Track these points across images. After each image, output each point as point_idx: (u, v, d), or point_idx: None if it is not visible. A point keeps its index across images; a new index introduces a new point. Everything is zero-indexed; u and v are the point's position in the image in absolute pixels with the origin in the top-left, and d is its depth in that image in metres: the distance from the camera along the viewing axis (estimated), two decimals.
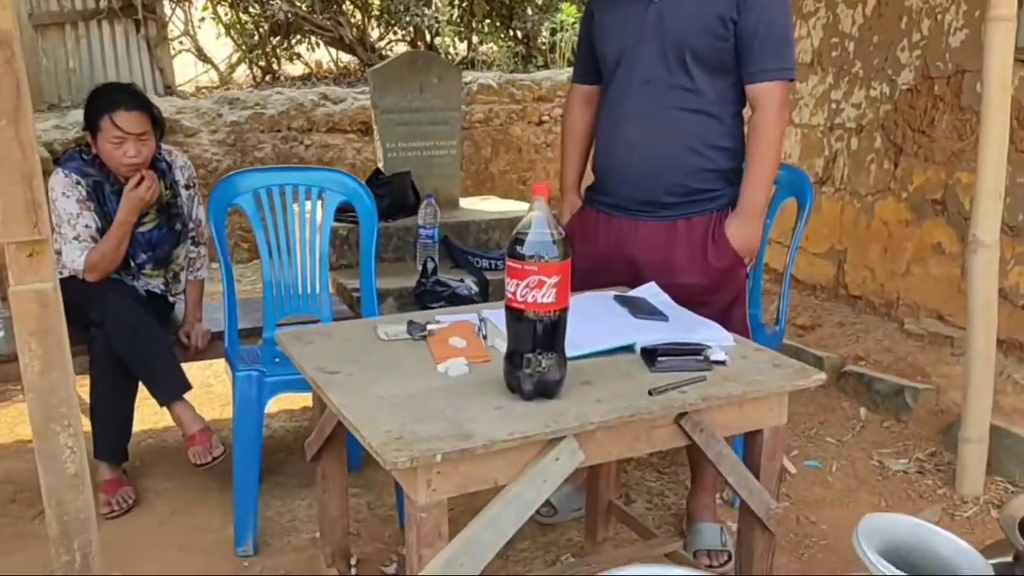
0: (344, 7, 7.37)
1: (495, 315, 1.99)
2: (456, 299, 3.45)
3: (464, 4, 7.49)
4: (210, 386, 3.58)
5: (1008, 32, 2.46)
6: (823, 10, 4.24)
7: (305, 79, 7.36)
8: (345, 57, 7.69)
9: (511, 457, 1.46)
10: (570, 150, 2.54)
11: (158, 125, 2.73)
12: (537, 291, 1.50)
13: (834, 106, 4.21)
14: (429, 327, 1.90)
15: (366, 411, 1.50)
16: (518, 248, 1.51)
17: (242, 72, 7.32)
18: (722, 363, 1.75)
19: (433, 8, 7.15)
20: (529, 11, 7.76)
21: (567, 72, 6.72)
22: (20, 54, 1.33)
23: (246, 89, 6.76)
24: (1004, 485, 2.80)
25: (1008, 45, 2.47)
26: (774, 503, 1.78)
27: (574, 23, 7.44)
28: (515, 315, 1.54)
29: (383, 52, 7.75)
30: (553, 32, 7.49)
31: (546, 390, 1.56)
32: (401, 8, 7.13)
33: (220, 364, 3.36)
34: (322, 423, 1.84)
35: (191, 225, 2.88)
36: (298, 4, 6.87)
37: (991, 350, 2.69)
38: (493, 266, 3.86)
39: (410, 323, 1.91)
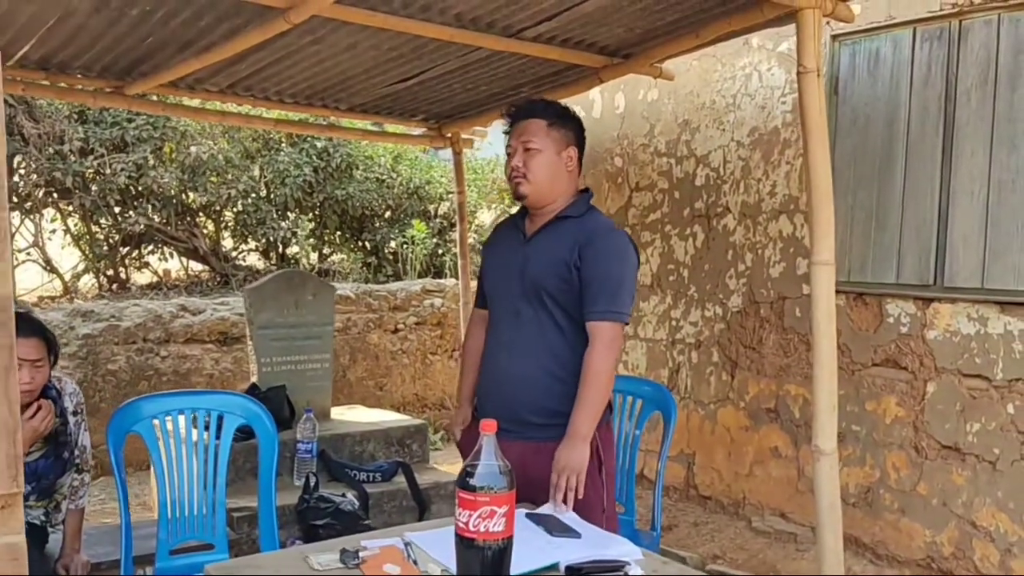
0: (198, 219, 7.50)
1: (419, 538, 2.12)
2: (340, 515, 3.48)
3: (317, 217, 7.81)
4: None
5: (829, 274, 2.96)
6: (659, 241, 4.84)
7: (154, 288, 7.31)
8: (196, 266, 7.74)
9: None
10: (467, 366, 2.76)
11: (52, 351, 2.74)
12: (488, 520, 1.66)
13: (674, 323, 4.73)
14: (361, 555, 1.99)
15: None
16: (469, 480, 1.68)
17: (87, 281, 7.19)
18: None
19: (288, 221, 7.43)
20: (378, 224, 8.19)
21: (420, 283, 7.09)
22: (12, 318, 1.42)
23: (91, 300, 6.64)
24: None
25: (830, 284, 2.97)
26: None
27: (424, 238, 7.92)
28: (466, 543, 1.68)
29: (236, 262, 7.87)
30: (403, 245, 7.90)
31: None
32: (255, 221, 7.36)
33: None
34: None
35: (77, 452, 2.83)
36: (153, 217, 6.95)
37: (839, 546, 3.01)
38: (371, 479, 3.93)
39: (343, 551, 1.99)
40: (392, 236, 8.17)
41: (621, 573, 1.94)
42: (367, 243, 8.30)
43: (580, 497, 2.35)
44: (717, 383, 4.43)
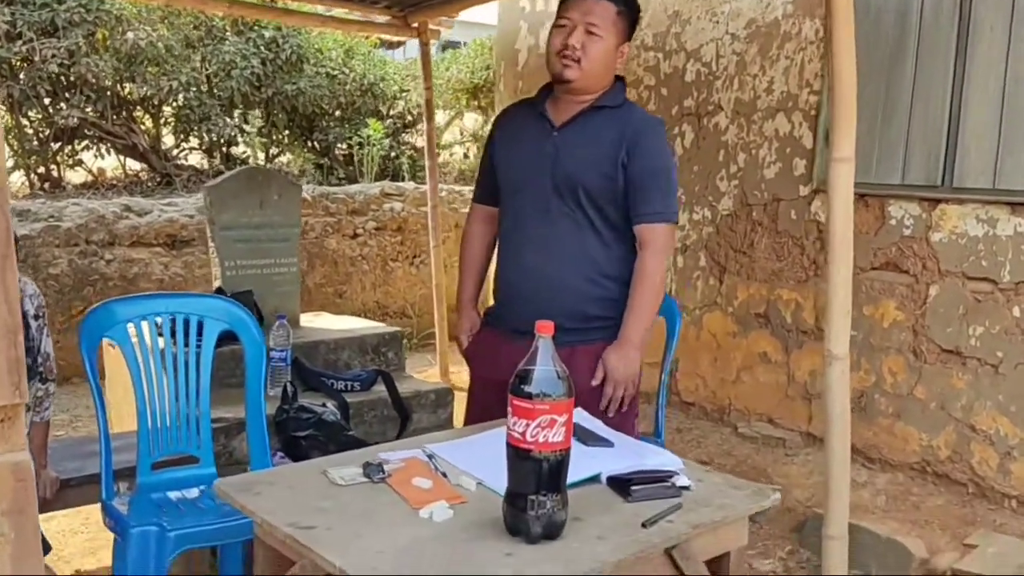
0: (135, 114, 6.99)
1: (443, 450, 1.95)
2: (323, 426, 3.28)
3: (265, 115, 7.36)
4: (77, 534, 3.12)
5: (849, 171, 2.81)
6: None
7: (89, 187, 6.83)
8: (134, 165, 7.25)
9: None
10: (468, 266, 2.56)
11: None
12: (548, 430, 1.48)
13: None
14: (386, 468, 1.80)
15: (373, 567, 1.39)
16: (524, 386, 1.49)
17: (17, 178, 6.67)
18: (687, 488, 1.80)
19: (234, 118, 6.97)
20: (329, 123, 7.78)
21: (379, 186, 6.77)
22: (8, 199, 1.17)
23: (23, 199, 6.16)
24: None
25: (849, 182, 2.82)
26: None
27: (381, 138, 7.55)
28: (520, 455, 1.50)
29: (178, 161, 7.40)
30: (360, 146, 7.52)
31: (553, 532, 1.52)
32: (198, 117, 6.89)
33: (75, 513, 2.96)
34: None
35: (39, 360, 2.56)
36: (87, 110, 6.43)
37: (847, 454, 2.95)
38: (349, 388, 3.73)
39: (367, 465, 1.81)
40: (345, 136, 7.78)
41: (669, 483, 1.80)
42: (317, 143, 7.89)
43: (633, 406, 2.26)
44: (704, 288, 4.31)
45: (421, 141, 9.43)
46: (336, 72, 7.61)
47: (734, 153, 4.13)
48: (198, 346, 2.52)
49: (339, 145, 7.95)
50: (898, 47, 3.49)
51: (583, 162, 2.22)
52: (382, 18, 5.08)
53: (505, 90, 5.52)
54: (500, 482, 1.75)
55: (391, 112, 8.31)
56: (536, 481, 1.50)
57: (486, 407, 2.29)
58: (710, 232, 4.27)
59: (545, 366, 1.50)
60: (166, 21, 6.79)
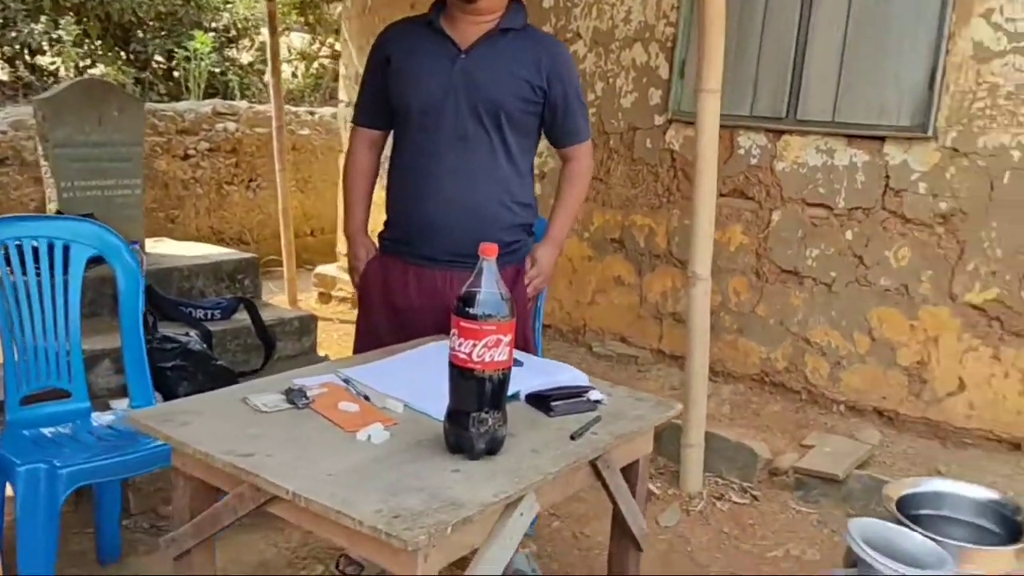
0: None
1: (358, 374, 1.94)
2: (189, 355, 3.16)
3: (76, 22, 6.70)
4: None
5: (715, 102, 2.97)
6: None
7: None
8: None
9: (483, 519, 1.46)
10: (357, 193, 2.49)
11: None
12: (495, 350, 1.52)
13: None
14: (308, 394, 1.78)
15: (329, 492, 1.39)
16: (470, 308, 1.52)
17: None
18: (601, 402, 1.91)
19: (41, 25, 6.29)
20: (146, 34, 7.20)
21: (210, 104, 6.39)
22: None
23: None
24: (716, 479, 3.32)
25: (715, 113, 2.98)
26: (644, 524, 1.98)
27: (210, 52, 7.08)
28: (464, 375, 1.53)
29: None
30: (187, 60, 7.03)
31: (495, 447, 1.58)
32: None
33: None
34: (207, 517, 1.62)
35: None
36: None
37: (705, 367, 3.19)
38: (210, 316, 3.59)
39: (289, 391, 1.78)
40: (165, 49, 7.23)
41: (585, 398, 1.90)
42: (134, 55, 7.30)
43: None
44: None
45: (247, 57, 8.97)
46: None
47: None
48: (65, 273, 2.34)
49: (157, 58, 7.39)
50: None
51: (503, 86, 2.22)
52: None
53: (353, 7, 5.32)
54: (426, 403, 1.79)
55: (215, 25, 7.80)
56: (480, 399, 1.55)
57: (392, 331, 2.29)
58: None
59: (490, 288, 1.53)
60: None
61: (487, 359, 1.52)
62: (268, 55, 5.19)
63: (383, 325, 2.38)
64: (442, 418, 1.63)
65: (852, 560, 1.70)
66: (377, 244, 2.47)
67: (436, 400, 1.76)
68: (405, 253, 2.38)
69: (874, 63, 3.43)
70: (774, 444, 3.41)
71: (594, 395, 1.91)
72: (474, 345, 1.51)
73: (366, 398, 1.83)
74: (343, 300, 5.58)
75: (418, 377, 1.93)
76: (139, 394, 2.40)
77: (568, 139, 2.37)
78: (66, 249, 2.35)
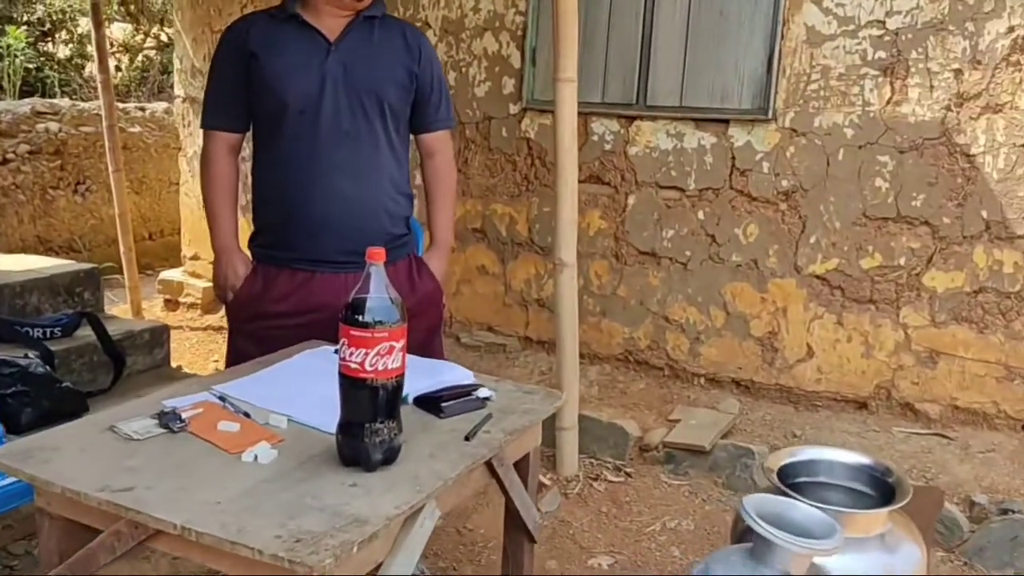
0: None
1: (233, 390, 1.84)
2: (30, 379, 2.91)
3: None
4: None
5: (573, 91, 3.00)
6: None
7: None
8: None
9: (387, 533, 1.42)
10: (223, 204, 2.33)
11: None
12: (387, 357, 1.48)
13: None
14: (183, 416, 1.68)
15: (220, 521, 1.31)
16: (359, 316, 1.46)
17: None
18: (490, 399, 1.90)
19: None
20: None
21: (29, 104, 5.91)
22: None
23: None
24: (590, 460, 3.39)
25: (573, 101, 3.02)
26: (537, 516, 1.99)
27: (25, 48, 6.54)
28: (355, 385, 1.48)
29: None
30: (0, 57, 6.46)
31: (391, 457, 1.54)
32: None
33: None
34: (79, 559, 1.49)
35: None
36: None
37: (576, 352, 3.24)
38: (49, 335, 3.32)
39: (161, 415, 1.66)
40: None
41: (473, 396, 1.88)
42: None
43: None
44: (420, 206, 4.37)
45: (65, 51, 8.35)
46: None
47: (444, 71, 4.17)
48: None
49: None
50: None
51: (382, 75, 2.17)
52: None
53: None
54: (311, 416, 1.72)
55: (28, 18, 7.21)
56: (374, 409, 1.50)
57: (275, 346, 2.16)
58: None
59: (379, 293, 1.49)
60: None
61: (380, 367, 1.47)
62: (93, 48, 4.85)
63: (269, 338, 2.20)
64: (331, 431, 1.57)
65: (739, 534, 1.77)
66: (251, 255, 2.34)
67: (321, 412, 1.69)
68: (287, 260, 2.24)
69: (716, 49, 3.57)
70: (643, 421, 3.52)
71: (482, 392, 1.90)
72: (366, 354, 1.46)
73: (246, 415, 1.73)
74: (192, 306, 5.31)
75: (298, 389, 1.86)
76: None
77: (430, 125, 2.32)
78: None
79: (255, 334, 2.27)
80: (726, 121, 3.59)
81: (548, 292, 4.05)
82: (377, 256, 1.49)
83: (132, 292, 5.01)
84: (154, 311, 5.31)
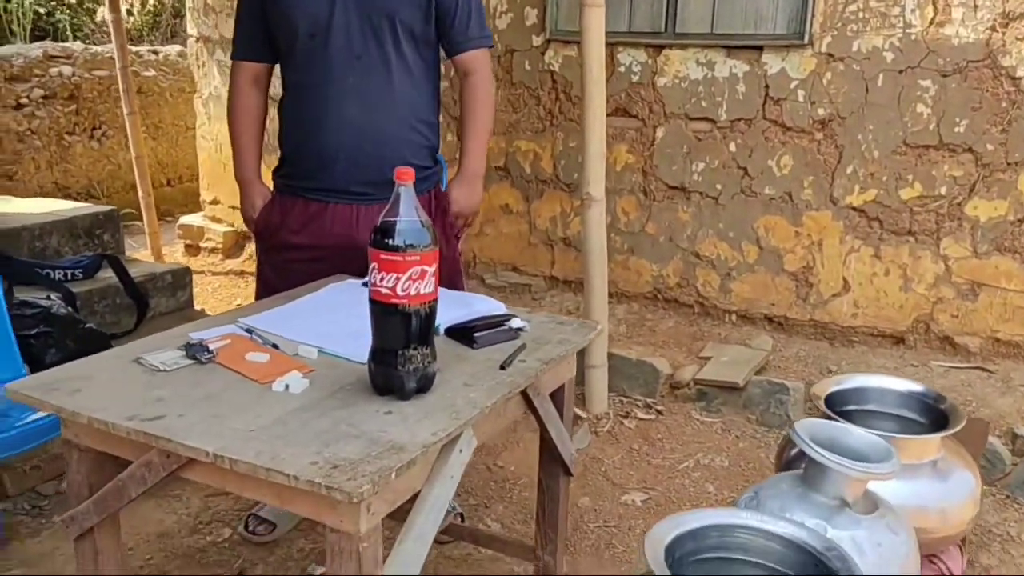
0: None
1: (260, 322, 1.79)
2: (54, 320, 2.89)
3: None
4: None
5: (600, 17, 2.88)
6: None
7: None
8: None
9: (424, 461, 1.37)
10: (246, 135, 2.31)
11: None
12: (420, 282, 1.41)
13: None
14: (211, 347, 1.63)
15: (254, 449, 1.27)
16: (389, 240, 1.40)
17: None
18: (523, 329, 1.84)
19: None
20: None
21: (40, 47, 5.81)
22: None
23: None
24: (620, 398, 3.34)
25: (600, 28, 2.90)
26: (573, 449, 1.94)
27: None
28: (387, 311, 1.42)
29: None
30: (7, 1, 6.35)
31: (426, 385, 1.48)
32: None
33: None
34: (110, 490, 1.46)
35: None
36: None
37: (604, 289, 3.17)
38: (71, 276, 3.29)
39: (189, 346, 1.61)
40: None
41: (507, 327, 1.82)
42: None
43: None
44: (443, 144, 4.27)
45: None
46: None
47: None
48: None
49: None
50: None
51: None
52: None
53: None
54: (341, 346, 1.67)
55: None
56: (407, 336, 1.44)
57: (297, 276, 2.11)
58: (444, 87, 4.20)
59: (409, 216, 1.42)
60: None
61: (412, 292, 1.41)
62: None
63: (288, 271, 2.20)
64: (361, 360, 1.52)
65: (787, 462, 1.71)
66: (272, 186, 2.30)
67: (351, 342, 1.64)
68: (303, 189, 2.22)
69: None
70: (673, 359, 3.45)
71: (515, 323, 1.84)
72: (397, 279, 1.40)
73: (275, 347, 1.68)
74: (213, 251, 5.27)
75: (327, 320, 1.80)
76: (5, 366, 2.17)
77: (461, 45, 2.20)
78: None
79: (277, 265, 2.26)
80: (759, 48, 3.44)
81: (574, 230, 3.97)
82: (406, 176, 1.42)
83: (152, 237, 4.96)
84: (175, 256, 5.27)
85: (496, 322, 1.82)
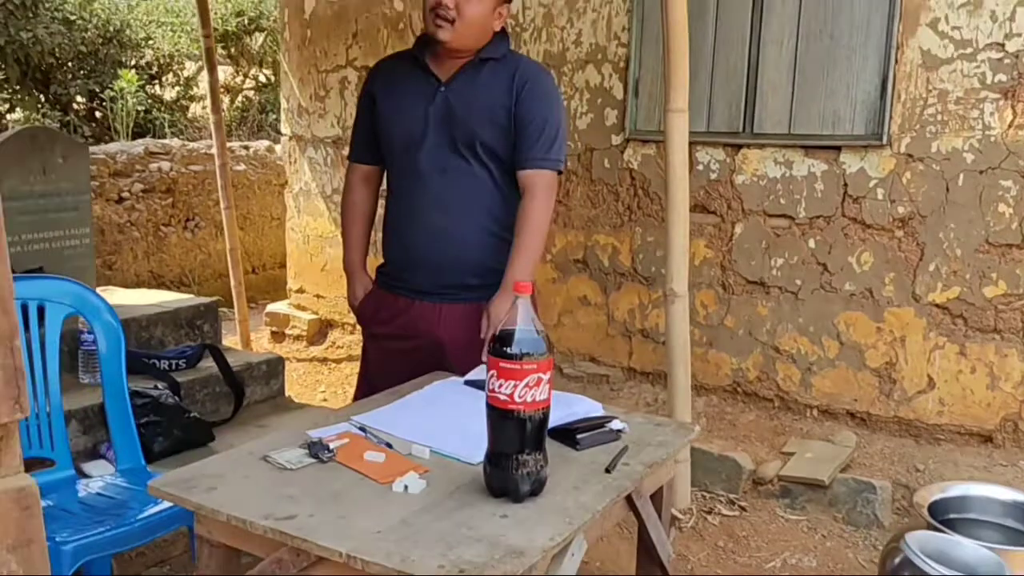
0: None
1: (372, 421, 1.89)
2: (162, 409, 3.05)
3: None
4: None
5: (683, 121, 3.00)
6: None
7: None
8: None
9: (541, 565, 1.43)
10: (354, 229, 2.50)
11: None
12: (536, 389, 1.49)
13: None
14: (331, 446, 1.72)
15: (384, 550, 1.34)
16: (507, 348, 1.49)
17: None
18: (623, 431, 1.90)
19: None
20: (65, 75, 6.95)
21: (142, 144, 6.20)
22: None
23: None
24: (702, 493, 3.34)
25: (684, 131, 3.01)
26: (672, 550, 1.97)
27: (137, 91, 6.88)
28: (505, 416, 1.50)
29: None
30: (113, 100, 6.80)
31: (538, 489, 1.55)
32: None
33: None
34: None
35: None
36: None
37: (688, 381, 3.20)
38: (175, 366, 3.45)
39: (311, 444, 1.72)
40: (88, 89, 6.99)
41: (608, 428, 1.88)
42: (54, 98, 7.04)
43: None
44: None
45: (170, 93, 8.75)
46: (75, 17, 6.79)
47: None
48: (41, 335, 2.22)
49: (79, 99, 7.14)
50: (699, 4, 3.73)
51: (478, 116, 2.21)
52: None
53: (291, 39, 5.24)
54: (452, 447, 1.74)
55: (136, 62, 7.59)
56: (522, 440, 1.52)
57: (386, 364, 2.30)
58: None
59: (526, 326, 1.51)
60: None
61: (528, 399, 1.49)
62: (207, 91, 5.07)
63: (384, 355, 2.40)
64: (471, 461, 1.60)
65: (891, 569, 1.71)
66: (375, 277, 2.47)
67: (461, 442, 1.73)
68: (396, 286, 2.38)
69: (826, 74, 3.52)
70: (755, 453, 3.45)
71: (615, 424, 1.90)
72: (515, 386, 1.48)
73: (389, 445, 1.77)
74: (297, 338, 5.46)
75: (434, 419, 1.89)
76: (126, 456, 2.30)
77: (521, 163, 2.22)
78: (41, 310, 2.23)
79: (372, 350, 2.46)
80: (837, 148, 3.52)
81: (652, 322, 4.03)
82: (524, 289, 1.52)
83: (241, 325, 5.17)
84: (261, 343, 5.47)
85: (597, 423, 1.89)
